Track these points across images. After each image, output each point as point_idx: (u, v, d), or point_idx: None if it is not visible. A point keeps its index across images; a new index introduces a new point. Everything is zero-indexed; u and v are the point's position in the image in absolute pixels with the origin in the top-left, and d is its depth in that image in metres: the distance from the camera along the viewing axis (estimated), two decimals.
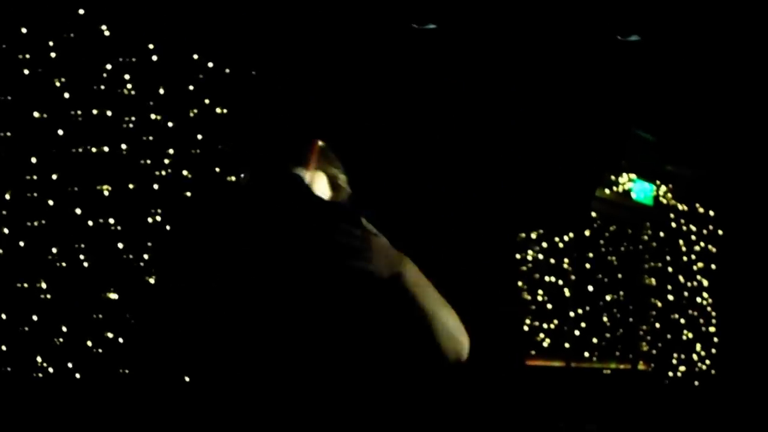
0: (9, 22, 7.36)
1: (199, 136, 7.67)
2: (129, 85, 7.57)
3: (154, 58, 7.59)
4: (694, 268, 12.35)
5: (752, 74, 9.12)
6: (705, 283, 12.39)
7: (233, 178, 7.67)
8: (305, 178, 2.38)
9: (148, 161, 7.59)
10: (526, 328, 10.68)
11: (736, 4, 7.80)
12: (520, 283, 10.60)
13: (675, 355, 12.07)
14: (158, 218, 7.60)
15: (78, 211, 7.51)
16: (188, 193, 7.60)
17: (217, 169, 7.66)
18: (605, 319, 11.49)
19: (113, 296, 7.56)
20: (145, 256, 7.59)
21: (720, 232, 12.51)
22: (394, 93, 7.53)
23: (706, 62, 8.84)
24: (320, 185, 2.43)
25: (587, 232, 11.33)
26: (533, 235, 10.97)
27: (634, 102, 9.43)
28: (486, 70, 8.21)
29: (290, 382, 2.20)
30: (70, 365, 7.47)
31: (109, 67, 7.54)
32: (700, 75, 9.09)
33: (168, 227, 7.61)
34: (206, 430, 2.31)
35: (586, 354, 11.30)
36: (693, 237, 12.36)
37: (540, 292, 11.02)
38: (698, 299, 12.34)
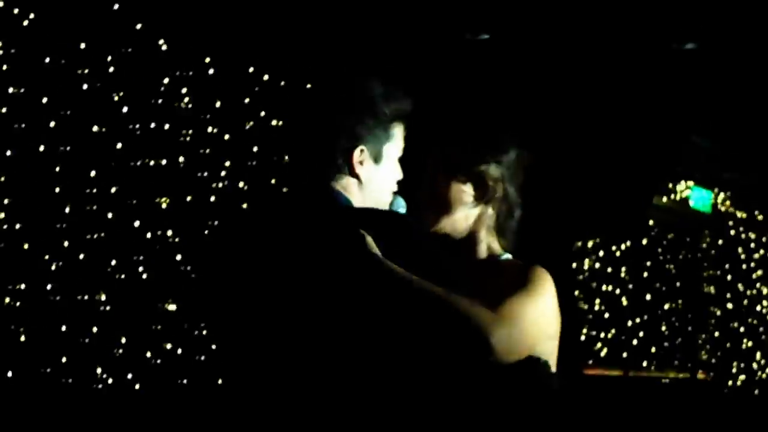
0: (68, 37, 7.44)
1: (255, 148, 7.72)
2: (186, 99, 7.64)
3: (211, 71, 7.65)
4: (754, 276, 12.23)
5: None
6: (765, 290, 12.26)
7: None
8: (344, 186, 2.40)
9: (205, 173, 7.66)
10: (583, 337, 10.62)
11: None
12: (577, 293, 10.55)
13: (734, 363, 11.95)
14: (213, 228, 7.66)
15: (136, 223, 7.58)
16: (245, 205, 7.66)
17: (273, 181, 7.71)
18: (663, 327, 11.41)
19: (172, 307, 7.61)
20: (200, 266, 7.64)
21: None
22: (448, 99, 7.54)
23: (764, 67, 8.76)
24: (361, 193, 2.43)
25: (645, 241, 11.26)
26: (590, 244, 10.92)
27: (692, 109, 9.37)
28: (543, 77, 8.19)
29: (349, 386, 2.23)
30: (129, 376, 7.53)
31: (166, 81, 7.61)
32: (758, 80, 9.01)
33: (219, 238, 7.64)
34: None
35: (644, 363, 11.22)
36: (752, 245, 12.23)
37: (597, 301, 10.96)
38: (758, 307, 12.22)
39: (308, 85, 7.80)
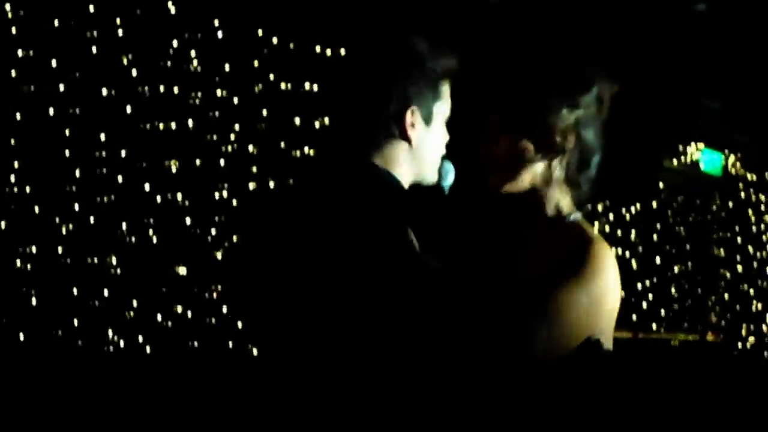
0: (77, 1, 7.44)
1: (264, 112, 7.70)
2: (195, 62, 7.63)
3: (219, 34, 7.63)
4: (764, 238, 12.22)
5: None
6: None
7: (298, 153, 7.70)
8: (392, 153, 2.30)
9: (215, 137, 7.65)
10: None
11: None
12: None
13: (744, 325, 11.97)
14: (225, 193, 7.66)
15: (146, 186, 7.59)
16: (254, 168, 7.65)
17: (282, 144, 7.70)
18: (673, 290, 11.42)
19: (182, 271, 7.64)
20: (213, 231, 7.66)
21: None
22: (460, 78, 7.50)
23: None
24: (411, 158, 2.33)
25: (654, 204, 11.25)
26: (600, 207, 10.91)
27: (702, 71, 9.32)
28: (554, 35, 8.14)
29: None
30: (140, 339, 7.57)
31: (175, 43, 7.60)
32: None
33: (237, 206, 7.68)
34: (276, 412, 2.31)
35: (654, 325, 11.23)
36: (762, 207, 12.22)
37: None
38: None
39: (326, 50, 7.81)
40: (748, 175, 12.08)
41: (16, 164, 7.41)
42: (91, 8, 7.43)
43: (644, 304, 11.08)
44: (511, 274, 2.25)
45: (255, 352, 7.31)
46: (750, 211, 12.12)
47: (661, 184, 11.04)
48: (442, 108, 2.32)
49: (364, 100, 2.29)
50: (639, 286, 11.11)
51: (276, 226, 2.28)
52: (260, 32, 7.64)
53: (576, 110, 2.33)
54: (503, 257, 2.30)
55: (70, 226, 7.57)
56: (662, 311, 11.27)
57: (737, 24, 8.50)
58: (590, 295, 2.21)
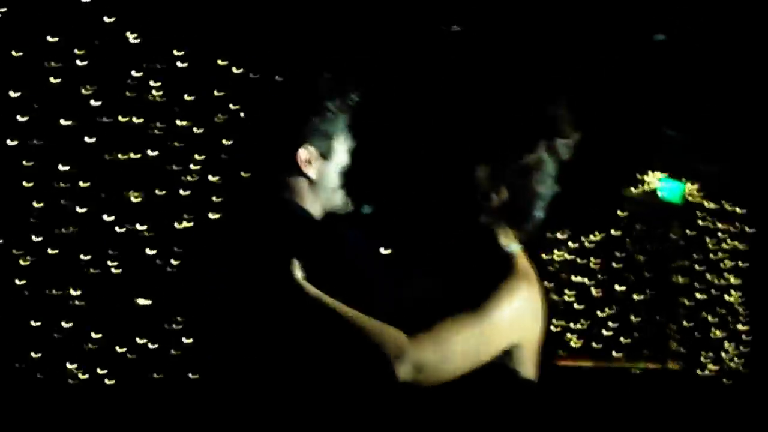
0: (36, 30, 7.40)
1: (225, 141, 7.70)
2: (155, 92, 7.61)
3: (179, 64, 7.62)
4: (723, 266, 12.30)
5: None
6: (733, 281, 12.33)
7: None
8: (295, 188, 2.37)
9: (175, 167, 7.63)
10: (554, 328, 10.66)
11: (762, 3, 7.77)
12: (547, 284, 10.59)
13: (704, 353, 12.03)
14: (186, 224, 7.64)
15: (107, 218, 7.55)
16: (215, 198, 7.64)
17: (244, 174, 7.68)
18: (634, 318, 11.46)
19: (143, 302, 7.59)
20: (174, 262, 7.63)
21: (749, 229, 12.46)
22: (414, 93, 7.54)
23: (733, 59, 8.80)
24: (313, 192, 2.39)
25: (615, 232, 11.31)
26: (560, 235, 10.96)
27: (663, 100, 9.40)
28: (513, 67, 8.20)
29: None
30: (102, 371, 7.51)
31: (135, 74, 7.58)
32: (728, 72, 9.05)
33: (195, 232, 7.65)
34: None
35: (615, 353, 11.27)
36: (721, 234, 12.30)
37: (568, 292, 11.00)
38: (727, 297, 12.29)
39: (277, 78, 7.80)
40: (707, 203, 12.17)
41: None
42: (51, 38, 7.40)
43: (604, 332, 11.12)
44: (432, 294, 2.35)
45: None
46: (709, 240, 12.20)
47: (621, 213, 11.10)
48: (344, 141, 2.42)
49: (265, 140, 2.43)
50: (599, 314, 11.15)
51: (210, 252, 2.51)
52: (221, 62, 7.65)
53: (501, 170, 2.46)
54: (436, 280, 2.42)
55: (31, 258, 7.50)
56: (622, 339, 11.31)
57: (697, 53, 8.58)
58: (482, 325, 2.31)
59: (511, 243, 2.49)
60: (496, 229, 2.48)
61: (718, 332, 12.13)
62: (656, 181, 11.36)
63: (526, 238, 2.53)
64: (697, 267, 12.03)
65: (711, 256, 12.18)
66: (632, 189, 10.91)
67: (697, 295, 12.01)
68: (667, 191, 11.55)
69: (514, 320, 2.38)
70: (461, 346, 2.30)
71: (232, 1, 7.59)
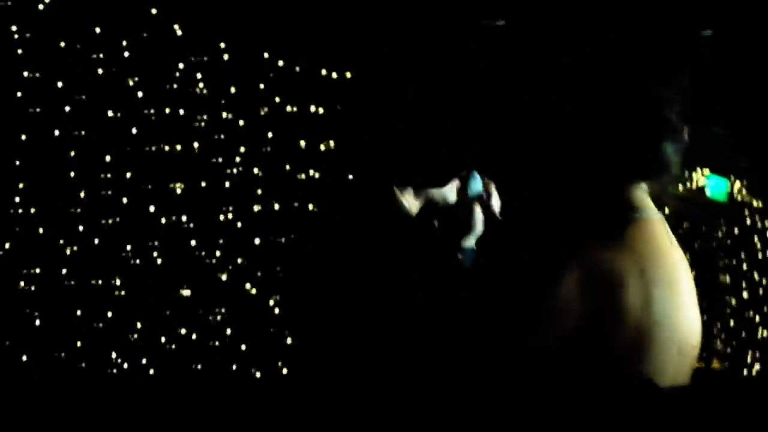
0: (83, 22, 7.45)
1: (270, 134, 7.71)
2: (201, 84, 7.64)
3: (225, 57, 7.65)
4: None
5: None
6: None
7: (303, 176, 7.71)
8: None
9: (220, 159, 7.66)
10: None
11: None
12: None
13: (750, 352, 11.91)
14: (230, 216, 7.67)
15: (152, 208, 7.59)
16: (259, 191, 7.66)
17: (288, 167, 7.71)
18: None
19: (186, 293, 7.63)
20: (217, 253, 7.66)
21: None
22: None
23: None
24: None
25: None
26: None
27: (708, 97, 9.31)
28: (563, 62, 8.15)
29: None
30: (144, 361, 7.55)
31: (181, 66, 7.61)
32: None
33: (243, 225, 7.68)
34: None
35: None
36: None
37: None
38: None
39: (323, 71, 7.81)
40: (754, 202, 12.05)
41: (21, 185, 7.41)
42: (97, 30, 7.44)
43: None
44: None
45: (258, 375, 7.29)
46: (756, 238, 12.09)
47: (666, 210, 11.01)
48: None
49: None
50: None
51: None
52: (266, 55, 7.67)
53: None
54: None
55: (75, 248, 7.56)
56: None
57: (743, 50, 8.50)
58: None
59: (644, 204, 2.38)
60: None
61: (764, 332, 12.02)
62: (702, 178, 11.27)
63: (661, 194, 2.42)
64: (743, 266, 11.93)
65: (758, 254, 12.06)
66: (678, 186, 10.83)
67: (743, 294, 11.91)
68: (713, 189, 11.45)
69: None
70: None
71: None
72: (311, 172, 7.76)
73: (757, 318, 12.00)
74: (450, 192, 2.39)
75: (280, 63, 7.69)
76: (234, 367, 7.55)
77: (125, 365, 7.53)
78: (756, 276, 12.01)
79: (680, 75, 2.34)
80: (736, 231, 11.90)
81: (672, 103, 2.30)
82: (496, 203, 2.42)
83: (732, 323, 11.87)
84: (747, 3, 7.72)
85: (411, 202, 2.27)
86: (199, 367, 7.57)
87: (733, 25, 8.13)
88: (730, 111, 10.13)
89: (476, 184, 2.41)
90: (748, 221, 12.00)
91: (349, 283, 2.20)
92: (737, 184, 11.82)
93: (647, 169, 2.32)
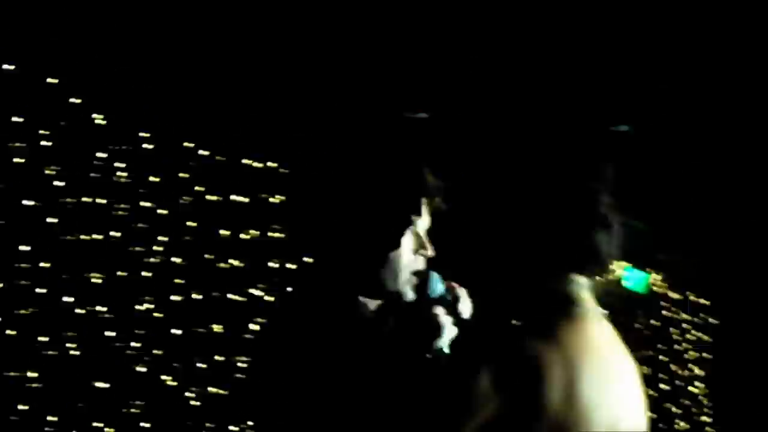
0: (2, 109, 7.40)
1: (189, 223, 7.70)
2: (120, 173, 7.61)
3: (146, 146, 7.63)
4: (687, 356, 12.29)
5: (746, 164, 9.16)
6: (698, 371, 12.32)
7: (225, 265, 7.69)
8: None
9: (138, 248, 7.61)
10: None
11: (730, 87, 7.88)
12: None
13: None
14: (148, 306, 7.60)
15: (66, 298, 7.50)
16: (178, 281, 7.61)
17: (208, 256, 7.69)
18: None
19: (102, 385, 7.53)
20: (133, 344, 7.58)
21: (713, 320, 12.47)
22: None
23: (697, 149, 8.88)
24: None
25: None
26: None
27: (628, 190, 9.44)
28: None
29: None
30: None
31: (100, 155, 7.58)
32: (694, 162, 9.13)
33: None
34: None
35: None
36: (686, 325, 12.31)
37: None
38: (691, 388, 12.26)
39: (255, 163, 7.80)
40: (672, 294, 12.20)
41: None
42: (16, 118, 7.39)
43: None
44: None
45: None
46: (673, 330, 12.21)
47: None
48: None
49: None
50: None
51: None
52: (187, 144, 7.67)
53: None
54: None
55: None
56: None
57: (663, 143, 8.66)
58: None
59: (581, 298, 2.42)
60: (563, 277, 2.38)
61: (682, 423, 12.08)
62: (621, 270, 11.38)
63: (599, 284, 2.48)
64: (660, 357, 12.02)
65: (674, 346, 12.17)
66: (597, 277, 10.91)
67: (661, 386, 11.99)
68: (632, 281, 11.57)
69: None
70: None
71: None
72: (233, 262, 7.73)
73: (675, 410, 12.07)
74: (408, 291, 2.44)
75: (201, 152, 7.70)
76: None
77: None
78: (673, 368, 12.11)
79: (606, 169, 2.40)
80: (653, 322, 12.02)
81: (601, 196, 2.36)
82: (465, 307, 2.47)
83: (650, 415, 11.86)
84: (666, 98, 7.88)
85: (369, 303, 2.31)
86: None
87: (652, 120, 8.30)
88: (649, 204, 10.28)
89: (436, 286, 2.47)
90: (666, 313, 12.13)
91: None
92: (655, 276, 11.96)
93: (580, 261, 2.37)
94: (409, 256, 2.46)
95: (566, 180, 2.34)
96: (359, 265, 2.39)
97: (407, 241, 2.48)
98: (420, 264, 2.52)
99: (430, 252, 2.51)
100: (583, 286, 2.39)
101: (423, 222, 2.54)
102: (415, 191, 2.49)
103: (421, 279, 2.51)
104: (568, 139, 2.41)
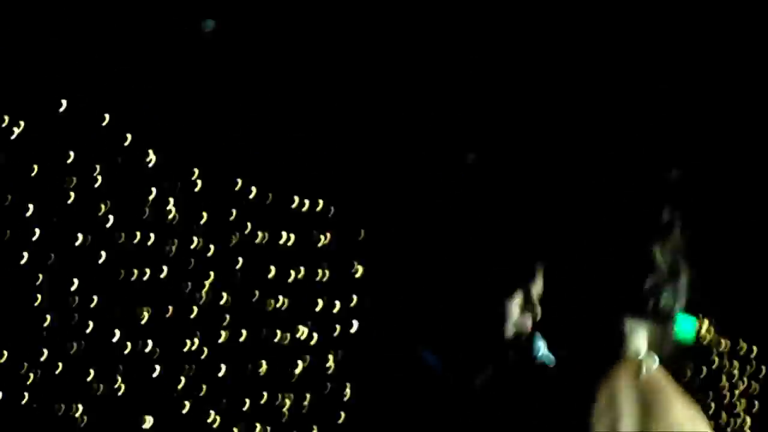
0: (56, 146, 7.48)
1: (239, 263, 7.73)
2: (172, 210, 7.67)
3: (199, 182, 7.69)
4: (737, 405, 12.15)
5: None
6: (748, 421, 12.17)
7: (272, 304, 7.72)
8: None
9: (189, 285, 7.65)
10: None
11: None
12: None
13: None
14: (195, 345, 7.64)
15: (117, 334, 7.54)
16: (227, 317, 7.65)
17: (257, 294, 7.72)
18: None
19: (148, 423, 7.54)
20: (181, 383, 7.61)
21: (764, 368, 12.33)
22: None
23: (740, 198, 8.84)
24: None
25: None
26: None
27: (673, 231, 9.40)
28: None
29: None
30: None
31: (154, 191, 7.65)
32: (742, 210, 9.08)
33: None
34: None
35: None
36: (736, 373, 12.18)
37: None
38: None
39: (304, 200, 7.86)
40: (722, 342, 12.08)
41: None
42: (72, 154, 7.47)
43: None
44: None
45: None
46: (723, 378, 12.08)
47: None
48: None
49: None
50: None
51: None
52: (239, 182, 7.73)
53: None
54: None
55: (38, 372, 7.47)
56: None
57: (713, 189, 8.63)
58: None
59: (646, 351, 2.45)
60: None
61: None
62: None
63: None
64: (711, 405, 11.89)
65: (725, 396, 12.04)
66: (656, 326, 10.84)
67: None
68: (680, 328, 11.46)
69: None
70: None
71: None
72: (280, 299, 7.76)
73: None
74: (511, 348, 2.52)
75: (253, 190, 7.75)
76: None
77: None
78: (724, 417, 11.97)
79: (672, 218, 2.43)
80: (704, 370, 11.91)
81: (666, 245, 2.39)
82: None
83: None
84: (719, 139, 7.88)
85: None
86: None
87: (702, 167, 8.27)
88: (697, 250, 10.19)
89: (539, 347, 2.54)
90: (716, 360, 12.00)
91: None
92: (704, 324, 11.86)
93: (639, 307, 2.40)
94: (517, 316, 2.50)
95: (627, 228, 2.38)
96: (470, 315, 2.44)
97: (516, 301, 2.52)
98: (527, 325, 2.56)
99: (538, 313, 2.55)
100: (640, 334, 2.41)
101: (537, 286, 2.57)
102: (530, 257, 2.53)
103: (526, 339, 2.55)
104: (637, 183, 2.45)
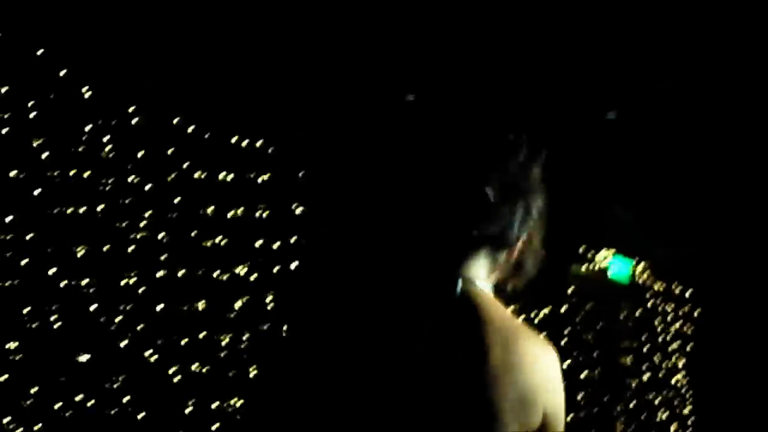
0: None
1: (177, 200, 7.66)
2: (108, 147, 7.58)
3: (134, 120, 7.60)
4: (670, 348, 12.33)
5: (733, 156, 9.17)
6: (680, 363, 12.36)
7: (209, 243, 7.67)
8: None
9: (124, 223, 7.58)
10: None
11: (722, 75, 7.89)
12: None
13: None
14: (132, 281, 7.57)
15: (51, 271, 7.46)
16: (163, 257, 7.59)
17: (194, 234, 7.66)
18: (580, 397, 11.44)
19: (83, 358, 7.49)
20: (118, 319, 7.55)
21: (697, 312, 12.52)
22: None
23: (688, 140, 8.89)
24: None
25: (563, 309, 11.32)
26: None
27: (615, 178, 9.47)
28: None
29: None
30: (38, 427, 7.38)
31: (88, 128, 7.54)
32: (683, 153, 9.14)
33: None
34: None
35: None
36: (669, 317, 12.35)
37: None
38: (673, 380, 12.31)
39: (242, 141, 7.79)
40: (656, 285, 12.23)
41: None
42: (3, 89, 7.36)
43: None
44: None
45: None
46: (657, 321, 12.25)
47: (569, 290, 11.12)
48: None
49: None
50: None
51: None
52: (176, 120, 7.64)
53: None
54: None
55: None
56: (568, 418, 11.27)
57: (651, 132, 8.67)
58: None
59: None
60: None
61: (663, 414, 12.13)
62: (606, 259, 11.41)
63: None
64: (644, 348, 12.06)
65: (658, 337, 12.21)
66: (581, 266, 10.94)
67: (644, 377, 12.02)
68: (616, 270, 11.59)
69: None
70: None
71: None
72: (218, 239, 7.72)
73: (657, 400, 12.10)
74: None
75: (190, 128, 7.67)
76: None
77: (19, 431, 7.35)
78: (656, 359, 12.14)
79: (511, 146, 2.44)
80: (637, 313, 12.04)
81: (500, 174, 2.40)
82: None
83: (632, 405, 11.94)
84: (652, 86, 7.89)
85: None
86: None
87: (638, 108, 8.30)
88: (636, 194, 10.29)
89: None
90: (650, 303, 12.14)
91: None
92: (640, 267, 11.98)
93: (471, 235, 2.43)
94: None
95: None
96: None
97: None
98: None
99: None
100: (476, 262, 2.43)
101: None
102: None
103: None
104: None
